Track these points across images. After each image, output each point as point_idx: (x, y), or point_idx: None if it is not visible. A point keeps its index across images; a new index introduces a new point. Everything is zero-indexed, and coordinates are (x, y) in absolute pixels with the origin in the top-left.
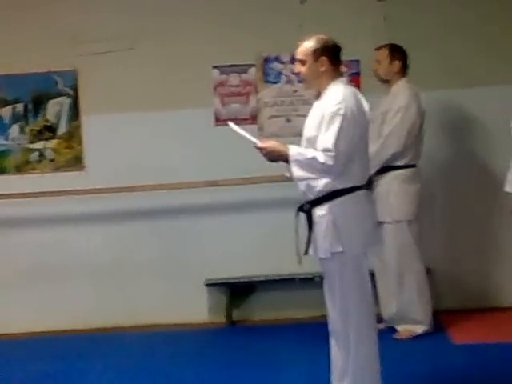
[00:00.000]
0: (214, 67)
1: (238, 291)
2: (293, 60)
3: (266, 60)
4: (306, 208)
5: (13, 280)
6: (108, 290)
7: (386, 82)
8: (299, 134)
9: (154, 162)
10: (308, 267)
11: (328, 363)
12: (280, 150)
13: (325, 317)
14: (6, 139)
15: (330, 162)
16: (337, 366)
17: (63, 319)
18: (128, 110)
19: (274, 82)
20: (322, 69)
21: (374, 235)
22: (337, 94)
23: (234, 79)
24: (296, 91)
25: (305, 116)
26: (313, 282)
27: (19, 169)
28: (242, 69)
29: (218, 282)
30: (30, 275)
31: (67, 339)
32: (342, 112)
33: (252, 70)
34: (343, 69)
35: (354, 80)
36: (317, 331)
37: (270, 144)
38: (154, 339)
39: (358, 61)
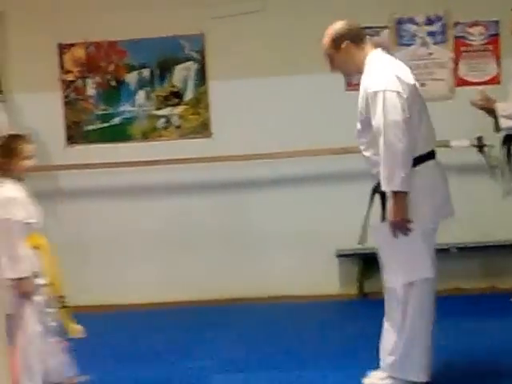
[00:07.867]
0: None
1: (370, 262)
2: (428, 21)
3: (399, 21)
4: (380, 189)
5: (140, 248)
6: (237, 261)
7: None
8: (432, 99)
9: (283, 128)
10: (442, 238)
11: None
12: (394, 205)
13: (458, 289)
14: (133, 105)
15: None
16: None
17: (191, 290)
18: (256, 75)
19: (408, 45)
20: (349, 54)
21: (445, 209)
22: (373, 70)
23: None
24: (431, 54)
25: (440, 80)
26: (448, 254)
27: (146, 136)
28: (375, 31)
29: (350, 252)
30: (156, 243)
31: (196, 310)
32: (382, 87)
33: (385, 32)
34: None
35: (493, 42)
36: (446, 304)
37: (390, 217)
38: (285, 311)
39: (496, 22)
